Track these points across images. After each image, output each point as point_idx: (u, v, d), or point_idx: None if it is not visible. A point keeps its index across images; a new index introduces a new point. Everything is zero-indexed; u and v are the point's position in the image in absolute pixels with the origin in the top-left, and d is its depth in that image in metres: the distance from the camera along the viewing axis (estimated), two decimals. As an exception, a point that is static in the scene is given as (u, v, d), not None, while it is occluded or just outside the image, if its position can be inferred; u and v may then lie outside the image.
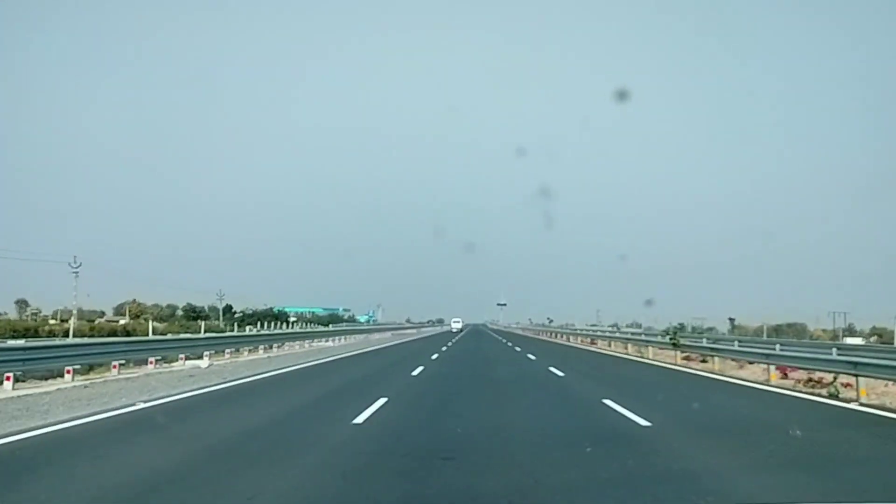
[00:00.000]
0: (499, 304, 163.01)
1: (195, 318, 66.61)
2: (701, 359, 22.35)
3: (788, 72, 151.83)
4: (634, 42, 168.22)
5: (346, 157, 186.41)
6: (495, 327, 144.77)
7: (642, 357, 27.39)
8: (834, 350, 19.50)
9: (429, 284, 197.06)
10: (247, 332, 38.64)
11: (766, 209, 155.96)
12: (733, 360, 20.32)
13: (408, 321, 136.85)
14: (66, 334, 32.87)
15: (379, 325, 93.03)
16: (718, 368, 20.03)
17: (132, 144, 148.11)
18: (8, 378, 12.65)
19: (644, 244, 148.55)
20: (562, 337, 55.29)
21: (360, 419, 9.35)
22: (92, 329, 45.46)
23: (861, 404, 11.76)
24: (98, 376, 15.55)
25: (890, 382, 13.12)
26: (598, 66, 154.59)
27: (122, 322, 60.84)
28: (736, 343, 24.02)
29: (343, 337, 47.42)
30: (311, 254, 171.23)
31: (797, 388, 14.74)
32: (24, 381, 13.54)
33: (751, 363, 19.03)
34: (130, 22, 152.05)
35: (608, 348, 35.69)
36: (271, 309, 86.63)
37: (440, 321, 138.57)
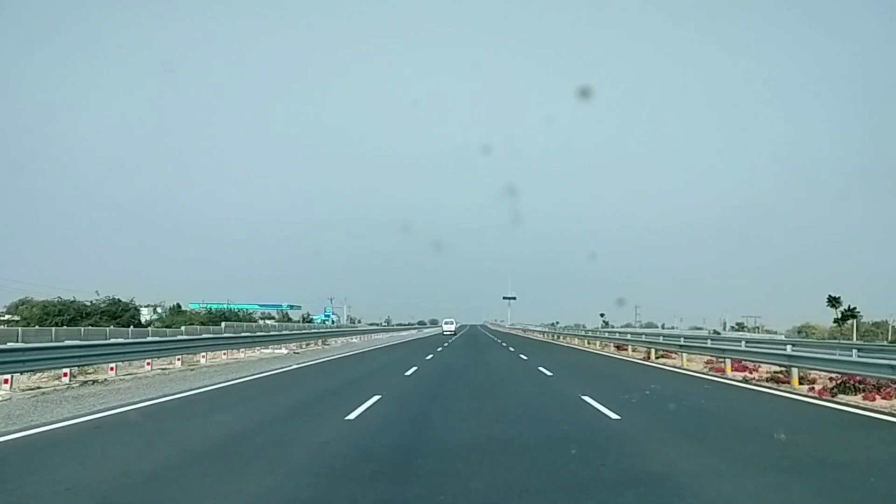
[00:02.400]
0: (506, 298, 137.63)
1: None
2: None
3: (760, 65, 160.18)
4: (598, 38, 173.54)
5: (306, 155, 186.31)
6: (497, 328, 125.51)
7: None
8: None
9: (420, 285, 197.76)
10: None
11: (737, 206, 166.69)
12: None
13: (386, 322, 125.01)
14: None
15: (337, 327, 79.46)
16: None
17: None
18: None
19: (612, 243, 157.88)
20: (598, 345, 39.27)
21: None
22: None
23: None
24: None
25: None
26: (562, 64, 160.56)
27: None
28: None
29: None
30: (253, 247, 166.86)
31: None
32: None
33: None
34: (123, 30, 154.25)
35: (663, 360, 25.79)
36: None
37: (434, 322, 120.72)
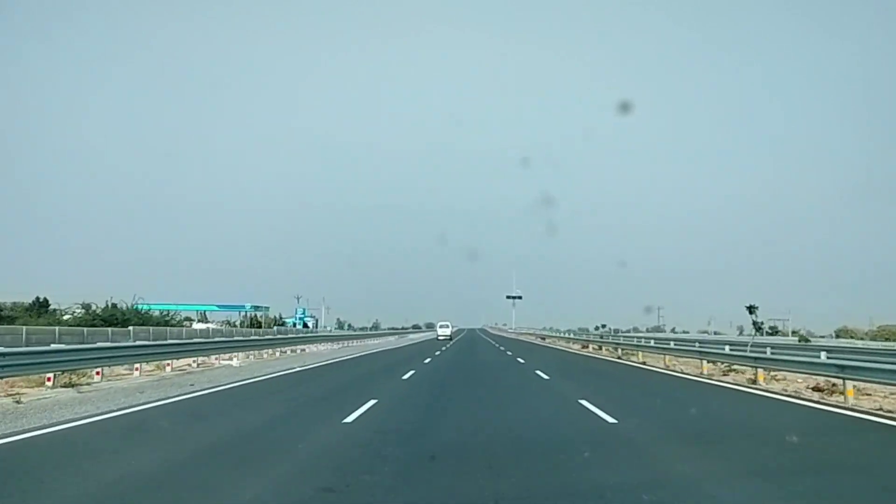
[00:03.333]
0: (510, 298, 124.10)
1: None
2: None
3: (787, 80, 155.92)
4: (636, 53, 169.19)
5: (348, 165, 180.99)
6: (498, 333, 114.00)
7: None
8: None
9: (416, 287, 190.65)
10: None
11: (766, 215, 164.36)
12: None
13: (374, 327, 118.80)
14: None
15: (310, 333, 69.32)
16: None
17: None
18: None
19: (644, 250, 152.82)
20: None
21: None
22: None
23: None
24: None
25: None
26: (601, 77, 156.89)
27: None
28: None
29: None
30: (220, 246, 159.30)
31: None
32: None
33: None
34: (127, 26, 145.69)
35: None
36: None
37: (430, 325, 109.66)
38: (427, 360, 27.37)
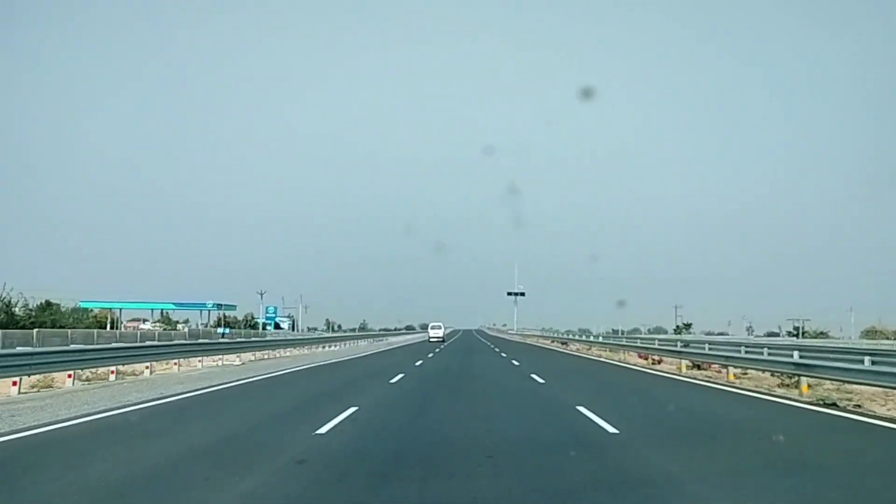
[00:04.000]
0: (511, 294, 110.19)
1: None
2: None
3: (759, 68, 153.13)
4: (602, 39, 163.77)
5: (330, 162, 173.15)
6: (497, 334, 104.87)
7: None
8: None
9: (410, 286, 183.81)
10: None
11: (738, 208, 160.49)
12: None
13: (361, 328, 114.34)
14: None
15: (278, 336, 61.26)
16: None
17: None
18: None
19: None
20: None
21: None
22: None
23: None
24: None
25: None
26: (566, 64, 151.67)
27: None
28: None
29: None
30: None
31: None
32: None
33: None
34: (132, 30, 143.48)
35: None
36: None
37: (424, 326, 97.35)
38: (397, 379, 18.40)
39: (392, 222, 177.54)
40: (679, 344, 26.12)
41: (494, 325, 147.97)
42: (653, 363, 24.61)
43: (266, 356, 30.71)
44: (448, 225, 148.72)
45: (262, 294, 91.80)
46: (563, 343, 52.16)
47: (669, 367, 22.97)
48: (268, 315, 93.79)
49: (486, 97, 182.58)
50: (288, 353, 34.46)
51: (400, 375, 18.96)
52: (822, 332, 72.61)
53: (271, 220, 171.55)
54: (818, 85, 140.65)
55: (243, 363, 25.49)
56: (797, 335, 61.27)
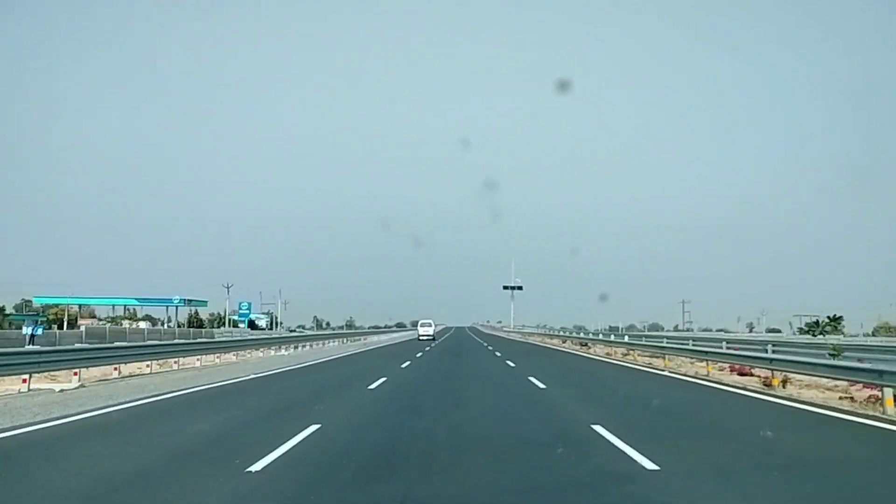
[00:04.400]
0: (508, 288, 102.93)
1: None
2: None
3: (740, 58, 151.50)
4: (578, 32, 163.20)
5: (318, 158, 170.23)
6: (492, 332, 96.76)
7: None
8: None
9: (400, 284, 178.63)
10: None
11: (720, 202, 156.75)
12: None
13: (349, 326, 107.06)
14: None
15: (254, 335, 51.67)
16: None
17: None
18: None
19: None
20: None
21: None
22: None
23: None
24: None
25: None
26: (542, 57, 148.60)
27: None
28: None
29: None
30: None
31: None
32: None
33: None
34: (128, 30, 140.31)
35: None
36: None
37: (416, 324, 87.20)
38: (375, 385, 15.10)
39: (387, 220, 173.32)
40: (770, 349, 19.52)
41: (488, 322, 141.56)
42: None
43: (218, 360, 25.24)
44: (443, 223, 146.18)
45: (228, 287, 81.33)
46: (582, 344, 40.61)
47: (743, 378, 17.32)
48: (241, 312, 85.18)
49: (469, 92, 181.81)
50: (255, 355, 29.24)
51: (381, 380, 15.46)
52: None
53: (259, 217, 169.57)
54: (814, 81, 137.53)
55: (181, 369, 20.16)
56: (812, 332, 55.49)
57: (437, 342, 53.44)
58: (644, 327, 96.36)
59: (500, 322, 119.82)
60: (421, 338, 62.39)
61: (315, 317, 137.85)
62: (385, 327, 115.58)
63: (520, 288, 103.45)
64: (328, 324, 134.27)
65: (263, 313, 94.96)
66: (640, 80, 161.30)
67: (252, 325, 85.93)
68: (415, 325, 75.97)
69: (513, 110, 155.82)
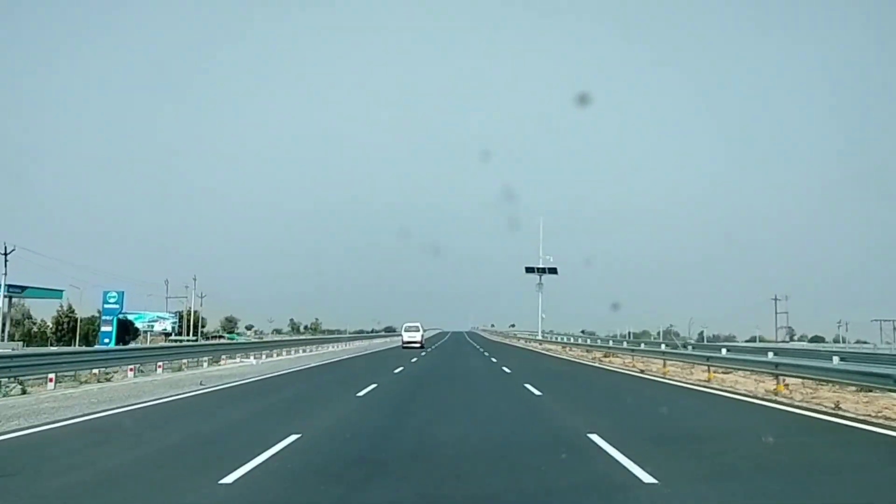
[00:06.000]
0: (532, 272, 71.97)
1: None
2: None
3: (755, 73, 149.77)
4: (597, 46, 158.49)
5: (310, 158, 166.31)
6: (500, 339, 76.03)
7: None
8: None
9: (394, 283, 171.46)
10: None
11: (731, 212, 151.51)
12: None
13: (339, 331, 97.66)
14: None
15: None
16: None
17: None
18: None
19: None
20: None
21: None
22: None
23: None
24: None
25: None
26: (561, 70, 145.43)
27: None
28: None
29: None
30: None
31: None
32: None
33: None
34: (119, 26, 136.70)
35: None
36: None
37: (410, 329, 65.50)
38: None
39: (383, 219, 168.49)
40: None
41: (493, 325, 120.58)
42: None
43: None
44: (439, 221, 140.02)
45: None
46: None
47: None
48: (105, 306, 55.72)
49: (481, 99, 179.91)
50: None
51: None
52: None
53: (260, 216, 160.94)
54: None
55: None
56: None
57: (426, 353, 42.02)
58: (658, 334, 79.02)
59: (513, 325, 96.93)
60: (405, 346, 52.04)
61: (291, 319, 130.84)
62: (372, 332, 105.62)
63: (553, 271, 71.63)
64: (306, 327, 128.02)
65: (171, 313, 70.95)
66: (671, 86, 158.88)
67: (125, 331, 59.38)
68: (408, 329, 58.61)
69: (532, 118, 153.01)
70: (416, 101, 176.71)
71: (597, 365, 28.68)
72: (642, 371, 23.54)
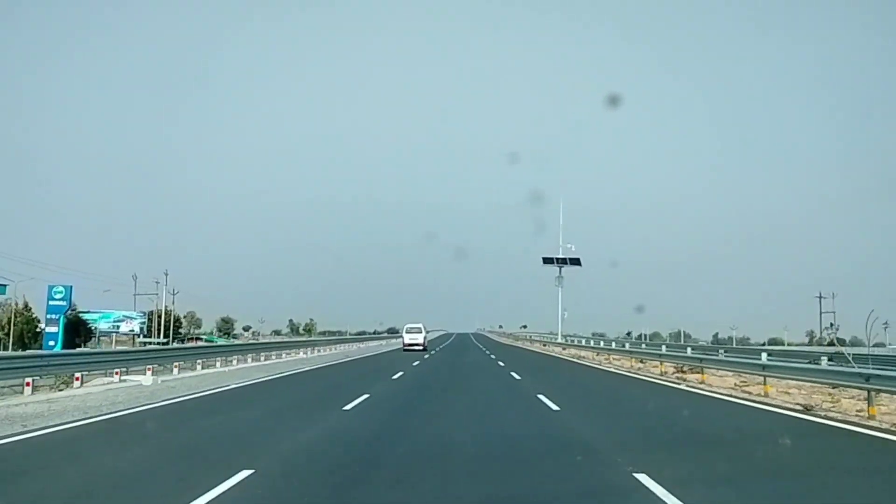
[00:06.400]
0: (551, 262, 63.45)
1: None
2: None
3: (782, 79, 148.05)
4: (626, 48, 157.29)
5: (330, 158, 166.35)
6: (512, 342, 66.02)
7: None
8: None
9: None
10: None
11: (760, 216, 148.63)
12: None
13: (339, 332, 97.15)
14: None
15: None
16: None
17: None
18: None
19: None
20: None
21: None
22: None
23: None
24: None
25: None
26: (591, 72, 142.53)
27: None
28: None
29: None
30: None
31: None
32: None
33: None
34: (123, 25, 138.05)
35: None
36: None
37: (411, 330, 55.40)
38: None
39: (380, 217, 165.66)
40: None
41: (500, 326, 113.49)
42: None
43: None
44: (444, 218, 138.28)
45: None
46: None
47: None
48: (51, 303, 49.10)
49: (486, 99, 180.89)
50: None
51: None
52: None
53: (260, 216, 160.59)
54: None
55: None
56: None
57: (429, 356, 39.29)
58: (668, 335, 77.98)
59: (524, 326, 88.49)
60: (406, 348, 48.54)
61: (290, 320, 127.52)
62: (374, 333, 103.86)
63: (576, 262, 62.30)
64: (307, 330, 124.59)
65: (140, 312, 65.00)
66: (690, 88, 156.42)
67: (75, 333, 53.50)
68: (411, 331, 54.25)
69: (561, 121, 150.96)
70: (416, 102, 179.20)
71: (684, 388, 18.00)
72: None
